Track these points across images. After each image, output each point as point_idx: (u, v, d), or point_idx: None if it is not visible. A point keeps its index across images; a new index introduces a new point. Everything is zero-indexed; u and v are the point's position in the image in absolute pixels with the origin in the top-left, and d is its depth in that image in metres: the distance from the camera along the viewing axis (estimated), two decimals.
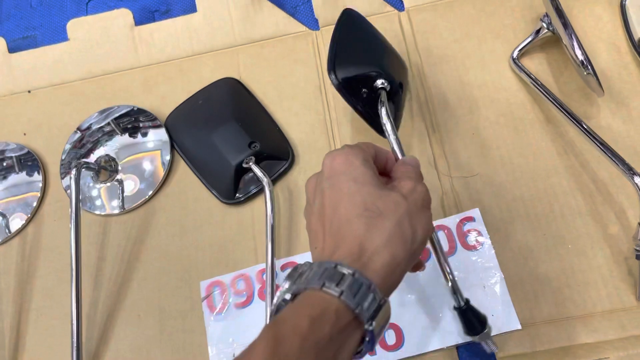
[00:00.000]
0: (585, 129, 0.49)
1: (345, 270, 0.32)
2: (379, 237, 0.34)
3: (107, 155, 0.60)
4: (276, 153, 0.57)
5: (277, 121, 0.60)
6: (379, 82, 0.50)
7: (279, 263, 0.53)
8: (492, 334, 0.46)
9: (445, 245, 0.51)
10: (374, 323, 0.32)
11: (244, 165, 0.55)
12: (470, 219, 0.52)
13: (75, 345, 0.50)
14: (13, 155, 0.62)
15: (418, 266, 0.41)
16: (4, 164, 0.62)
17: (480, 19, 0.61)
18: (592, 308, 0.47)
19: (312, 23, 0.65)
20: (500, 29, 0.60)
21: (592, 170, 0.52)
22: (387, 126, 0.47)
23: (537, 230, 0.51)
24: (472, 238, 0.51)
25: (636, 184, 0.44)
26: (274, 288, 0.50)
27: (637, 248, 0.45)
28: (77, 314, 0.50)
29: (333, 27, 0.61)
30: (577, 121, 0.50)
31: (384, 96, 0.49)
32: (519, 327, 0.47)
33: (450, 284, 0.44)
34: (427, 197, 0.38)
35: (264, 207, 0.54)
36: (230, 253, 0.55)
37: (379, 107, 0.48)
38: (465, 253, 0.51)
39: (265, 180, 0.53)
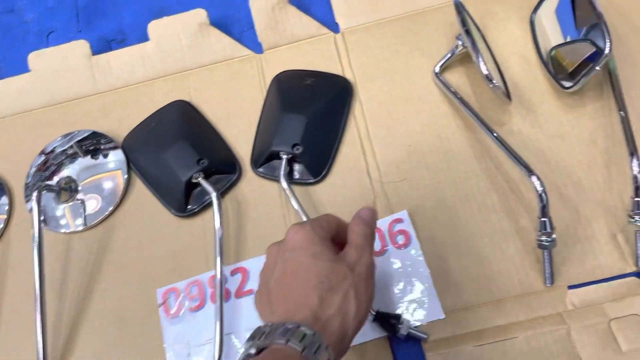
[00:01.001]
0: (495, 136, 0.55)
1: (307, 331, 0.37)
2: (330, 309, 0.40)
3: (67, 177, 0.64)
4: (224, 167, 0.62)
5: (226, 138, 0.65)
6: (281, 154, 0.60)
7: (228, 269, 0.58)
8: (420, 323, 0.52)
9: (377, 246, 0.57)
10: None
11: (194, 180, 0.60)
12: (400, 221, 0.57)
13: (41, 356, 0.54)
14: None
15: None
16: None
17: (408, 38, 0.67)
18: (505, 294, 0.53)
19: (256, 47, 0.70)
20: (425, 46, 0.66)
21: (505, 172, 0.58)
22: (287, 192, 0.57)
23: (458, 228, 0.56)
24: (401, 238, 0.56)
25: (533, 182, 0.50)
26: (222, 291, 0.55)
27: (539, 239, 0.51)
28: (42, 326, 0.55)
29: (277, 50, 0.68)
30: (488, 129, 0.56)
31: (283, 165, 0.59)
32: (443, 316, 0.53)
33: None
34: (371, 267, 0.44)
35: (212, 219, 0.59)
36: (184, 262, 0.59)
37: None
38: (396, 252, 0.56)
39: (213, 194, 0.58)
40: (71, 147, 0.67)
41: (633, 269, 0.51)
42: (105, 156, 0.66)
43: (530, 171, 0.51)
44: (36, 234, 0.56)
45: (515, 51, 0.64)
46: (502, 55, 0.64)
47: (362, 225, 0.46)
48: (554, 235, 0.50)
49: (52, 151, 0.67)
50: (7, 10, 0.81)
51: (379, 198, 0.59)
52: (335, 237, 0.46)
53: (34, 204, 0.57)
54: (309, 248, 0.42)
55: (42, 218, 0.57)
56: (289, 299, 0.41)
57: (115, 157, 0.66)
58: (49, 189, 0.61)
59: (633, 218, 0.51)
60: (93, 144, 0.67)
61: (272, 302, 0.42)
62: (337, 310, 0.40)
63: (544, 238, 0.51)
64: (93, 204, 0.64)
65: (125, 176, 0.64)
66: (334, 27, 0.70)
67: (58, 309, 0.59)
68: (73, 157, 0.67)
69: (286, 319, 0.39)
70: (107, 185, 0.64)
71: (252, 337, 0.39)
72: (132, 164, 0.65)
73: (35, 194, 0.57)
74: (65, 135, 0.68)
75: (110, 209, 0.63)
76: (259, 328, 0.39)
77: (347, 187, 0.61)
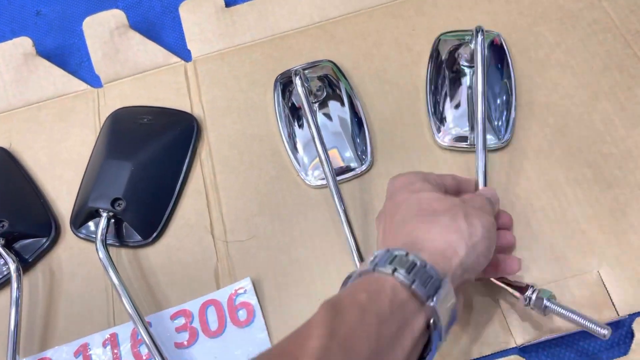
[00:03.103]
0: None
1: (398, 252, 0.33)
2: (433, 228, 0.35)
3: None
4: (34, 230, 0.50)
5: (46, 193, 0.54)
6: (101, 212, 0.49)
7: None
8: None
9: (214, 324, 0.46)
10: (435, 299, 0.31)
11: None
12: (242, 290, 0.46)
13: None
14: None
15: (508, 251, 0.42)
16: None
17: (268, 66, 0.57)
18: None
19: (95, 80, 0.60)
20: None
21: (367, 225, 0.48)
22: (103, 260, 0.46)
23: (312, 295, 0.46)
24: (243, 313, 0.46)
25: None
26: None
27: None
28: None
29: (117, 82, 0.57)
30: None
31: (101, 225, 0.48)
32: None
33: None
34: (488, 205, 0.39)
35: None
36: None
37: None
38: (235, 331, 0.45)
39: (11, 266, 0.47)
40: None
41: (517, 343, 0.42)
42: None
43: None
44: None
45: None
46: None
47: (487, 189, 0.42)
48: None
49: None
50: None
51: (221, 261, 0.48)
52: (455, 193, 0.41)
53: None
54: (407, 186, 0.39)
55: None
56: (387, 237, 0.37)
57: None
58: None
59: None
60: None
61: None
62: (440, 230, 0.35)
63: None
64: None
65: None
66: (186, 54, 0.60)
67: None
68: None
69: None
70: None
71: (347, 277, 0.35)
72: None
73: None
74: None
75: None
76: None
77: (186, 248, 0.50)
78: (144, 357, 0.45)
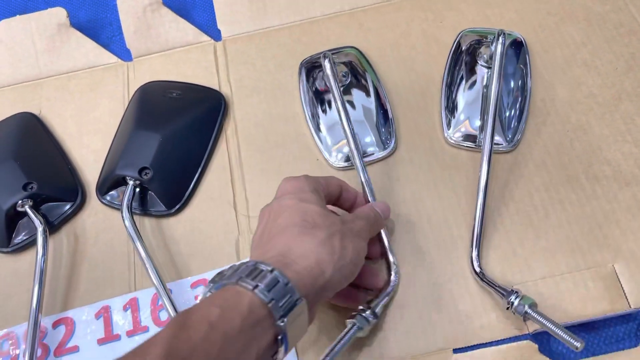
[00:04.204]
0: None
1: (264, 267, 0.33)
2: (308, 243, 0.36)
3: None
4: (61, 194, 0.51)
5: (73, 159, 0.55)
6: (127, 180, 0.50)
7: (50, 319, 0.47)
8: None
9: None
10: (285, 320, 0.32)
11: (19, 209, 0.49)
12: None
13: None
14: None
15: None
16: None
17: (296, 50, 0.58)
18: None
19: (125, 54, 0.61)
20: None
21: None
22: (128, 227, 0.48)
23: None
24: None
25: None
26: (35, 349, 0.44)
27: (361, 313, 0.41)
28: None
29: (147, 57, 0.59)
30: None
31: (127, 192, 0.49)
32: None
33: None
34: (365, 230, 0.40)
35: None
36: (1, 307, 0.48)
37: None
38: None
39: (39, 227, 0.48)
40: None
41: (526, 330, 0.42)
42: None
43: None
44: None
45: None
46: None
47: (372, 209, 0.43)
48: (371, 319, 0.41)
49: None
50: None
51: (243, 235, 0.50)
52: (336, 201, 0.44)
53: None
54: (296, 193, 0.39)
55: None
56: (265, 241, 0.37)
57: None
58: None
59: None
60: None
61: (253, 249, 0.38)
62: (315, 246, 0.35)
63: (367, 313, 0.41)
64: None
65: None
66: (215, 34, 0.61)
67: None
68: None
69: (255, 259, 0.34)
70: None
71: (211, 280, 0.35)
72: None
73: None
74: None
75: None
76: (220, 271, 0.35)
77: (208, 221, 0.51)
78: (164, 323, 0.46)
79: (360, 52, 0.57)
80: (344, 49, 0.57)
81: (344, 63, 0.56)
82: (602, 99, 0.51)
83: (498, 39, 0.48)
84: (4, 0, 0.67)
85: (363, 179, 0.46)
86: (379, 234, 0.45)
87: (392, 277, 0.44)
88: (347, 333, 0.39)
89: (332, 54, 0.54)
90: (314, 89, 0.55)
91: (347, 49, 0.57)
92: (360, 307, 0.41)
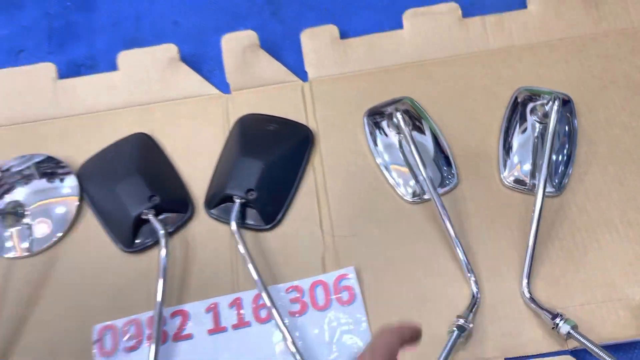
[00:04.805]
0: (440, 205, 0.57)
1: None
2: None
3: (15, 201, 0.63)
4: (176, 206, 0.61)
5: (182, 176, 0.65)
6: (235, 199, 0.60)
7: (168, 310, 0.57)
8: None
9: (322, 300, 0.56)
10: None
11: (143, 217, 0.59)
12: (346, 277, 0.57)
13: None
14: None
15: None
16: None
17: (372, 94, 0.68)
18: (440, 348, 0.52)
19: (224, 87, 0.71)
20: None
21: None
22: (237, 236, 0.57)
23: (403, 289, 0.56)
24: (346, 294, 0.56)
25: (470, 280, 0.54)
26: (160, 334, 0.54)
27: (457, 322, 0.52)
28: None
29: (243, 91, 0.68)
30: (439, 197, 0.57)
31: (235, 209, 0.59)
32: None
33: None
34: None
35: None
36: (125, 299, 0.58)
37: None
38: (339, 308, 0.56)
39: (160, 232, 0.58)
40: (28, 168, 0.66)
41: (566, 347, 0.52)
42: (60, 181, 0.65)
43: (468, 269, 0.54)
44: None
45: None
46: None
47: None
48: (470, 326, 0.52)
49: (7, 170, 0.66)
50: None
51: (328, 251, 0.59)
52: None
53: None
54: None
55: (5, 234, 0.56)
56: None
57: (69, 184, 0.65)
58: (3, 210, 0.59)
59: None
60: (46, 169, 0.66)
61: None
62: None
63: (461, 322, 0.51)
64: (41, 228, 0.63)
65: (77, 204, 0.63)
66: (303, 75, 0.71)
67: None
68: (27, 179, 0.65)
69: None
70: (58, 211, 0.63)
71: None
72: (85, 193, 0.64)
73: None
74: (19, 157, 0.66)
75: (59, 235, 0.62)
76: None
77: (298, 236, 0.60)
78: (263, 319, 0.56)
79: (415, 102, 0.66)
80: (400, 99, 0.66)
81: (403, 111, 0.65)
82: (637, 157, 0.60)
83: (554, 102, 0.58)
84: (116, 31, 0.78)
85: (443, 215, 0.56)
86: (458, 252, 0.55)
87: (475, 291, 0.53)
88: (453, 339, 0.50)
89: (390, 104, 0.64)
90: (381, 133, 0.65)
91: (404, 99, 0.66)
92: (457, 318, 0.51)
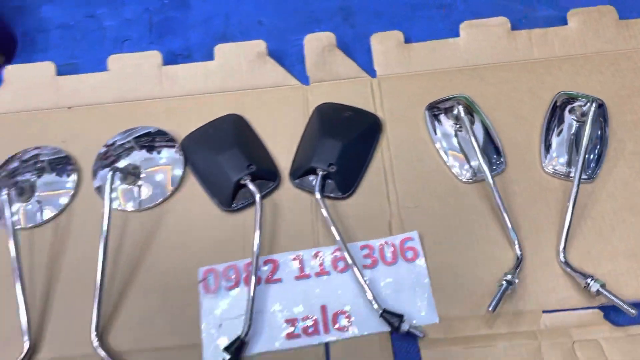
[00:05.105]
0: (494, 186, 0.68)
1: None
2: None
3: (133, 164, 0.75)
4: (267, 175, 0.73)
5: (270, 151, 0.77)
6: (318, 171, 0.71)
7: (261, 259, 0.68)
8: (418, 325, 0.62)
9: (389, 257, 0.68)
10: None
11: (242, 182, 0.71)
12: (410, 239, 0.68)
13: (95, 311, 0.64)
14: (52, 157, 0.77)
15: None
16: (44, 163, 0.77)
17: (432, 92, 0.79)
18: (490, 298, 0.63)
19: (304, 79, 0.83)
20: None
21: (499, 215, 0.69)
22: (320, 202, 0.68)
23: (458, 252, 0.68)
24: (410, 253, 0.68)
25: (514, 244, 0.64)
26: (256, 276, 0.65)
27: (505, 278, 0.62)
28: (100, 285, 0.64)
29: (321, 84, 0.80)
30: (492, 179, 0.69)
31: (319, 179, 0.70)
32: (437, 320, 0.63)
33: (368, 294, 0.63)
34: None
35: (253, 216, 0.70)
36: (224, 249, 0.70)
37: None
38: (404, 264, 0.67)
39: (257, 195, 0.69)
40: (141, 137, 0.78)
41: (596, 303, 0.63)
42: (167, 150, 0.77)
43: (514, 237, 0.66)
44: (107, 208, 0.66)
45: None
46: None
47: None
48: (516, 281, 0.63)
49: (116, 141, 0.78)
50: (88, 15, 0.93)
51: (394, 218, 0.71)
52: None
53: (108, 181, 0.68)
54: None
55: (112, 195, 0.67)
56: None
57: (173, 154, 0.77)
58: (120, 171, 0.71)
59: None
60: (152, 140, 0.78)
61: None
62: None
63: (509, 277, 0.62)
64: (149, 190, 0.75)
65: (181, 170, 0.75)
66: (371, 72, 0.82)
67: (111, 275, 0.69)
68: (141, 147, 0.77)
69: None
70: (166, 175, 0.75)
71: None
72: (188, 161, 0.76)
73: (110, 173, 0.68)
74: (129, 130, 0.79)
75: (167, 195, 0.74)
76: None
77: (369, 206, 0.72)
78: (341, 270, 0.67)
79: (469, 99, 0.77)
80: (456, 96, 0.78)
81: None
82: None
83: (591, 104, 0.69)
84: (208, 27, 0.90)
85: (495, 192, 0.67)
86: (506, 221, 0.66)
87: (519, 254, 0.64)
88: (502, 291, 0.61)
89: (448, 99, 0.75)
90: (440, 124, 0.76)
91: (459, 96, 0.78)
92: (505, 274, 0.62)
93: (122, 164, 0.76)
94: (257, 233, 0.67)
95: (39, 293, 0.68)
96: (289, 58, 0.86)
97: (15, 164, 0.76)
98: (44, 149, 0.78)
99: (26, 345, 0.64)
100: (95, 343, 0.63)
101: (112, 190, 0.68)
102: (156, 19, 0.92)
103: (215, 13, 0.91)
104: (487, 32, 0.83)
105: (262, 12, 0.91)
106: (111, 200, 0.67)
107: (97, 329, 0.64)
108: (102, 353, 0.63)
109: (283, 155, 0.76)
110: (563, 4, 0.87)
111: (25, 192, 0.73)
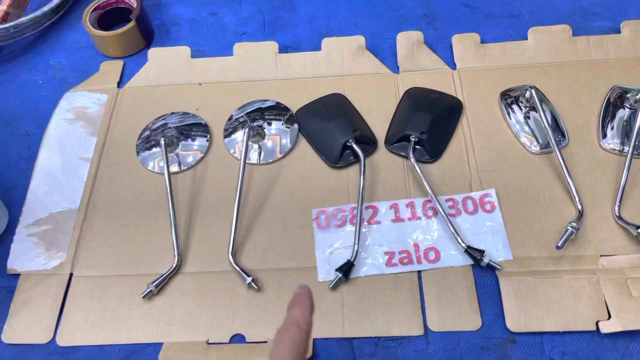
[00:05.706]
0: (560, 157, 0.82)
1: None
2: None
3: (260, 125, 0.92)
4: (367, 140, 0.89)
5: (369, 123, 0.93)
6: (411, 137, 0.86)
7: (364, 205, 0.83)
8: (495, 261, 0.76)
9: (471, 208, 0.82)
10: None
11: (348, 144, 0.87)
12: (488, 195, 0.83)
13: (232, 237, 0.80)
14: (191, 121, 0.94)
15: None
16: (186, 125, 0.94)
17: (503, 83, 0.95)
18: (558, 252, 0.77)
19: (395, 69, 0.99)
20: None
21: (564, 179, 0.83)
22: (414, 163, 0.83)
23: (528, 207, 0.82)
24: (488, 205, 0.82)
25: (576, 202, 0.77)
26: (361, 217, 0.80)
27: (571, 224, 0.76)
28: (236, 221, 0.80)
29: (410, 73, 0.96)
30: (560, 152, 0.83)
31: (412, 144, 0.86)
32: (512, 258, 0.77)
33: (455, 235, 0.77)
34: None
35: (356, 172, 0.85)
36: (332, 197, 0.85)
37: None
38: (483, 214, 0.81)
39: (361, 155, 0.85)
40: (262, 108, 0.95)
41: None
42: (284, 117, 0.93)
43: (576, 195, 0.79)
44: (243, 158, 0.83)
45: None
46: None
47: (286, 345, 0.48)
48: (578, 228, 0.76)
49: (249, 109, 0.95)
50: (211, 13, 1.12)
51: (474, 180, 0.85)
52: None
53: (245, 136, 0.85)
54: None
55: (246, 148, 0.84)
56: None
57: (288, 122, 0.93)
58: (254, 128, 0.88)
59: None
60: (273, 111, 0.94)
61: None
62: None
63: (574, 224, 0.76)
64: (271, 149, 0.91)
65: (295, 135, 0.91)
66: (452, 65, 0.98)
67: (241, 212, 0.84)
68: (263, 114, 0.93)
69: None
70: (284, 136, 0.91)
71: None
72: (301, 127, 0.92)
73: (247, 129, 0.85)
74: (256, 102, 0.96)
75: (282, 155, 0.90)
76: None
77: (452, 169, 0.87)
78: (429, 216, 0.82)
79: (537, 89, 0.92)
80: (524, 86, 0.93)
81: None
82: None
83: None
84: (312, 26, 1.08)
85: (561, 159, 0.81)
86: (570, 185, 0.80)
87: (580, 208, 0.78)
88: (567, 234, 0.74)
89: (519, 88, 0.91)
90: (511, 109, 0.91)
91: (526, 86, 0.93)
92: (570, 222, 0.75)
93: (260, 122, 0.92)
94: (362, 179, 0.83)
95: (183, 224, 0.85)
96: (381, 52, 1.03)
97: (161, 122, 0.94)
98: (182, 114, 0.95)
99: (176, 259, 0.80)
100: (232, 260, 0.79)
101: (249, 139, 0.84)
102: (268, 17, 1.10)
103: (317, 15, 1.09)
104: (551, 37, 0.98)
105: (357, 16, 1.08)
106: (247, 148, 0.84)
107: (232, 252, 0.79)
108: (237, 268, 0.78)
109: (377, 129, 0.92)
110: (617, 18, 1.02)
111: (173, 143, 0.90)
